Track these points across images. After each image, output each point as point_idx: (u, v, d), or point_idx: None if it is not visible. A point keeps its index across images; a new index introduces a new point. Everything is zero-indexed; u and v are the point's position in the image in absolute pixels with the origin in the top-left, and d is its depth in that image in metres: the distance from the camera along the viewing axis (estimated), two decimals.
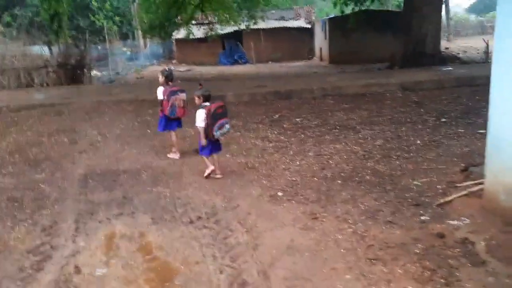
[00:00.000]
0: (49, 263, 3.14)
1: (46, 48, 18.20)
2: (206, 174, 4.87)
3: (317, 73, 16.07)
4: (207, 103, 4.86)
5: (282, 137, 6.62)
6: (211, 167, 4.86)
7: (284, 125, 7.41)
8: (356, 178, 4.57)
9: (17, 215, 4.01)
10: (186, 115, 5.88)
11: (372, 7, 19.22)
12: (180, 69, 23.83)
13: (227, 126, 4.85)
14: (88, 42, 18.25)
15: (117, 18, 27.43)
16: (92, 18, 25.88)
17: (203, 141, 4.77)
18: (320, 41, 24.78)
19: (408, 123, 6.98)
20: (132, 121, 8.27)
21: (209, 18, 19.22)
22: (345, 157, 5.37)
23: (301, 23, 27.66)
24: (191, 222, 3.73)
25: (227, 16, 17.32)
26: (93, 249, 3.33)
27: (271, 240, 3.31)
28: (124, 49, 27.41)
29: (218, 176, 4.89)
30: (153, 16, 16.12)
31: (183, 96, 5.78)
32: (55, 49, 17.04)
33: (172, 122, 5.88)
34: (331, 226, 3.48)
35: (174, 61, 29.13)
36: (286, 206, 3.96)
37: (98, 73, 19.53)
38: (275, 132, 6.96)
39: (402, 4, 16.81)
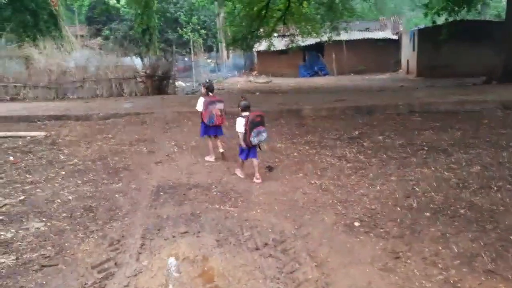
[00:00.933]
0: (111, 282, 3.07)
1: (136, 60, 19.31)
2: (237, 173, 5.59)
3: (403, 87, 15.15)
4: (247, 113, 5.34)
5: (362, 157, 6.14)
6: (242, 173, 5.55)
7: (364, 144, 6.91)
8: (448, 212, 3.98)
9: (89, 226, 4.06)
10: (224, 122, 6.38)
11: (467, 17, 17.77)
12: (259, 80, 24.04)
13: (264, 134, 5.42)
14: (175, 54, 19.12)
15: (203, 32, 28.56)
16: (180, 31, 27.17)
17: (243, 145, 5.29)
18: (408, 53, 23.50)
19: (511, 148, 6.11)
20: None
21: (291, 30, 19.10)
22: (434, 184, 4.76)
23: (387, 34, 26.54)
24: (257, 248, 3.47)
25: (309, 28, 17.06)
26: (155, 270, 3.20)
27: (345, 280, 2.93)
28: (208, 60, 28.39)
29: (257, 180, 5.26)
30: (237, 29, 16.39)
31: (220, 106, 6.27)
32: (145, 60, 18.06)
33: (210, 128, 6.35)
34: (417, 269, 3.00)
35: (254, 73, 29.54)
36: (363, 239, 3.54)
37: (183, 84, 20.35)
38: (354, 151, 6.50)
39: (503, 14, 15.28)
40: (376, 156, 6.12)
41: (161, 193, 4.97)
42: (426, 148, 6.37)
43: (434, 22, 17.20)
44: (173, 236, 3.76)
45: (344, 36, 20.67)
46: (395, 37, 26.25)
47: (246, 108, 5.41)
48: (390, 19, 29.22)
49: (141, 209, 4.47)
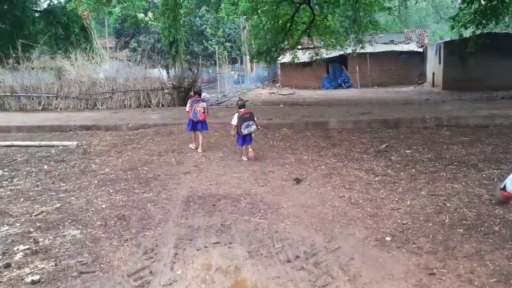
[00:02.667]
0: None
1: (163, 71, 19.71)
2: (243, 158, 7.16)
3: (429, 100, 14.97)
4: (241, 110, 7.04)
5: (390, 171, 6.11)
6: (245, 157, 7.13)
7: (392, 157, 6.87)
8: (482, 228, 3.93)
9: (123, 234, 4.17)
10: (206, 118, 7.84)
11: (495, 30, 17.50)
12: (283, 92, 24.14)
13: (253, 126, 6.95)
14: (201, 66, 19.42)
15: (227, 44, 28.94)
16: (205, 44, 27.61)
17: (233, 134, 7.27)
18: (433, 66, 23.23)
19: None
20: (234, 144, 8.36)
21: (315, 43, 19.19)
22: (466, 200, 4.70)
23: (411, 46, 26.32)
24: (289, 261, 3.50)
25: (334, 40, 17.11)
26: (189, 280, 3.27)
27: None
28: (232, 72, 28.71)
29: (244, 158, 7.13)
30: (261, 42, 16.56)
31: (203, 104, 7.81)
32: (171, 72, 18.42)
33: (196, 124, 7.83)
34: (452, 286, 2.97)
35: (278, 84, 29.69)
36: (395, 254, 3.53)
37: (207, 95, 20.62)
38: (382, 165, 6.47)
39: None
40: (404, 170, 6.08)
41: (191, 203, 5.06)
42: (455, 163, 6.29)
43: (461, 35, 17.04)
44: (205, 247, 3.82)
45: (368, 49, 20.63)
46: (420, 49, 26.01)
47: (241, 106, 7.18)
48: (414, 31, 28.99)
49: (172, 219, 4.56)
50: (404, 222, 4.20)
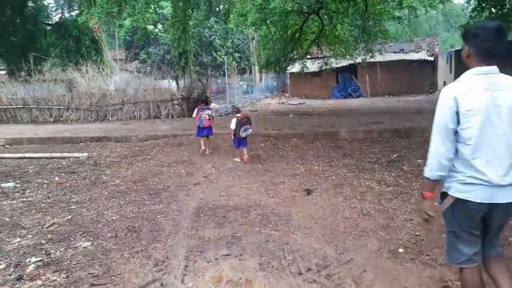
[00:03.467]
0: None
1: (173, 82, 19.89)
2: (236, 159, 7.89)
3: None
4: (239, 115, 7.80)
5: (402, 181, 6.04)
6: (238, 158, 7.88)
7: (404, 167, 6.80)
8: None
9: (134, 246, 4.15)
10: (211, 124, 8.59)
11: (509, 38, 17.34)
12: (292, 102, 24.16)
13: (250, 130, 7.79)
14: (210, 77, 19.55)
15: (236, 55, 29.11)
16: (214, 54, 27.82)
17: (232, 137, 7.89)
18: (444, 74, 23.10)
19: None
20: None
21: (324, 52, 19.20)
22: None
23: (422, 55, 26.22)
24: (300, 273, 3.45)
25: (343, 50, 17.11)
26: None
27: None
28: (241, 83, 28.84)
29: (237, 159, 7.88)
30: (270, 52, 16.61)
31: (208, 112, 8.55)
32: (181, 83, 18.57)
33: (202, 130, 8.55)
34: None
35: (287, 94, 29.73)
36: (409, 266, 3.46)
37: (217, 106, 20.71)
38: (393, 175, 6.40)
39: None
40: (417, 180, 6.01)
41: (201, 215, 5.04)
42: None
43: None
44: (216, 259, 3.79)
45: (378, 58, 20.58)
46: (430, 58, 25.90)
47: (237, 111, 8.06)
48: (425, 40, 28.90)
49: (182, 231, 4.54)
50: (418, 233, 4.14)
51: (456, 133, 2.32)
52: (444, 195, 2.42)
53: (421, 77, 25.90)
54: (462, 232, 2.38)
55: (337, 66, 20.89)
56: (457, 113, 2.28)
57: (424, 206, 2.48)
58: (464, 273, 2.42)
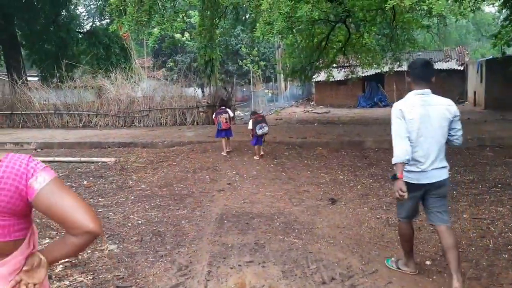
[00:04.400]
0: None
1: (199, 90, 20.14)
2: (255, 157, 8.75)
3: (470, 120, 14.46)
4: (254, 116, 8.85)
5: None
6: (257, 155, 8.76)
7: None
8: None
9: (158, 250, 4.21)
10: (229, 126, 9.28)
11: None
12: (318, 111, 24.04)
13: (266, 128, 8.60)
14: (235, 85, 19.71)
15: (262, 63, 29.25)
16: (240, 63, 28.04)
17: (251, 136, 8.83)
18: (474, 85, 22.53)
19: None
20: (268, 163, 8.38)
21: (351, 61, 19.05)
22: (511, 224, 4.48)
23: (451, 65, 25.68)
24: (324, 282, 3.41)
25: (370, 59, 16.93)
26: None
27: None
28: (266, 91, 28.93)
29: (256, 157, 8.72)
30: (296, 61, 16.60)
31: (225, 115, 9.25)
32: (206, 90, 18.79)
33: (221, 132, 9.28)
34: None
35: (312, 103, 29.61)
36: (436, 279, 3.37)
37: (241, 113, 20.83)
38: None
39: None
40: None
41: (225, 221, 5.05)
42: (500, 185, 6.02)
43: (503, 53, 16.49)
44: (239, 265, 3.79)
45: (405, 67, 20.25)
46: (460, 67, 25.33)
47: (253, 113, 9.31)
48: (454, 49, 28.32)
49: (206, 236, 4.57)
50: None
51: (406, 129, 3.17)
52: (394, 177, 3.18)
53: (450, 87, 25.32)
54: (405, 201, 3.22)
55: (363, 75, 20.72)
56: (405, 122, 3.17)
57: (398, 184, 3.11)
58: (401, 224, 3.48)
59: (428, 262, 3.69)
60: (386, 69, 17.90)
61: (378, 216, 4.97)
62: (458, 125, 3.26)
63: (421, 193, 3.25)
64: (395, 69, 17.77)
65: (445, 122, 3.19)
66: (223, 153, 9.25)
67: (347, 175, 7.11)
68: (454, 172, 6.93)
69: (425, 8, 6.04)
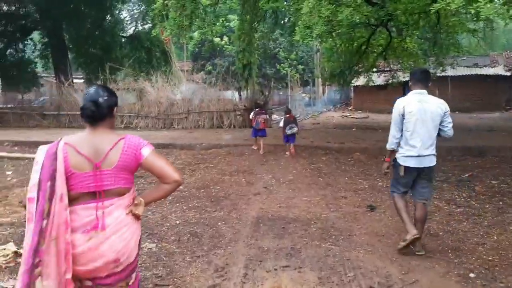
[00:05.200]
0: None
1: (236, 94, 20.29)
2: (286, 154, 9.60)
3: None
4: (287, 115, 9.74)
5: (473, 202, 5.68)
6: (288, 152, 9.58)
7: (476, 188, 6.39)
8: None
9: (196, 250, 4.26)
10: (266, 127, 10.25)
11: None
12: (356, 115, 23.67)
13: (295, 128, 9.46)
14: (272, 89, 19.72)
15: (300, 67, 29.12)
16: (278, 66, 28.05)
17: (282, 134, 9.67)
18: None
19: None
20: (305, 167, 8.32)
21: (391, 66, 18.61)
22: None
23: (498, 70, 24.61)
24: None
25: (412, 63, 16.47)
26: None
27: None
28: (303, 95, 28.76)
29: (287, 154, 9.57)
30: (335, 65, 16.41)
31: (264, 116, 10.26)
32: (243, 94, 18.91)
33: (258, 131, 10.12)
34: None
35: (350, 107, 29.18)
36: None
37: (278, 117, 20.80)
38: (464, 195, 6.04)
39: None
40: (490, 202, 5.62)
41: (261, 225, 5.06)
42: None
43: None
44: (275, 269, 3.78)
45: (449, 72, 19.60)
46: (507, 73, 24.23)
47: (287, 112, 9.98)
48: (501, 54, 27.13)
49: (242, 239, 4.58)
50: (490, 258, 3.85)
51: (402, 124, 3.98)
52: (395, 161, 4.10)
53: (496, 93, 24.29)
54: (401, 180, 4.10)
55: (404, 79, 20.18)
56: (403, 114, 3.95)
57: (384, 165, 4.27)
58: (396, 197, 4.18)
59: (472, 275, 3.54)
60: None
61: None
62: (449, 119, 3.97)
63: (416, 174, 4.01)
64: (438, 74, 17.20)
65: (437, 117, 3.93)
66: (253, 147, 10.33)
67: (387, 182, 6.92)
68: (501, 182, 6.63)
69: (472, 11, 5.81)
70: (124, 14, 30.01)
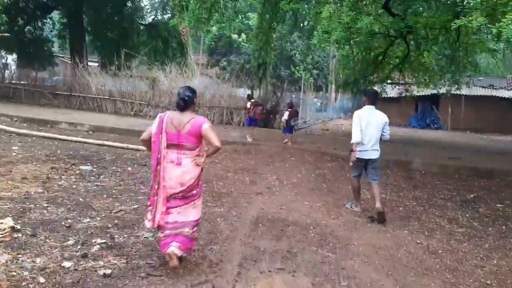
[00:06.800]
0: None
1: (248, 92, 20.28)
2: (285, 141, 11.30)
3: None
4: (290, 109, 11.41)
5: (476, 224, 5.60)
6: (286, 140, 11.33)
7: (480, 209, 6.31)
8: None
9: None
10: (261, 118, 12.31)
11: None
12: None
13: (298, 121, 11.75)
14: (285, 91, 19.67)
15: (314, 71, 29.05)
16: (292, 69, 27.98)
17: (285, 125, 11.54)
18: None
19: None
20: (309, 172, 8.28)
21: (406, 79, 18.45)
22: None
23: None
24: None
25: (427, 78, 16.32)
26: None
27: None
28: (315, 100, 28.65)
29: (285, 140, 11.37)
30: (350, 72, 16.32)
31: (260, 108, 11.87)
32: (255, 93, 18.88)
33: (252, 121, 11.76)
34: None
35: None
36: None
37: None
38: (467, 216, 5.96)
39: None
40: (493, 225, 5.55)
41: (260, 225, 5.03)
42: None
43: None
44: (269, 271, 3.74)
45: (464, 90, 19.39)
46: None
47: (290, 106, 11.65)
48: None
49: (239, 237, 4.56)
50: (488, 282, 3.79)
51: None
52: (352, 150, 5.64)
53: (510, 117, 24.02)
54: (356, 167, 5.76)
55: (418, 94, 20.04)
56: (360, 119, 5.55)
57: (353, 155, 5.59)
58: (354, 179, 5.86)
59: None
60: (443, 90, 17.21)
61: (418, 241, 4.77)
62: (387, 127, 5.67)
63: (365, 163, 5.66)
64: (453, 92, 17.03)
65: (380, 125, 5.62)
66: (249, 139, 11.35)
67: (390, 195, 6.89)
68: (506, 206, 6.54)
69: (494, 31, 5.73)
70: (145, 2, 30.13)
